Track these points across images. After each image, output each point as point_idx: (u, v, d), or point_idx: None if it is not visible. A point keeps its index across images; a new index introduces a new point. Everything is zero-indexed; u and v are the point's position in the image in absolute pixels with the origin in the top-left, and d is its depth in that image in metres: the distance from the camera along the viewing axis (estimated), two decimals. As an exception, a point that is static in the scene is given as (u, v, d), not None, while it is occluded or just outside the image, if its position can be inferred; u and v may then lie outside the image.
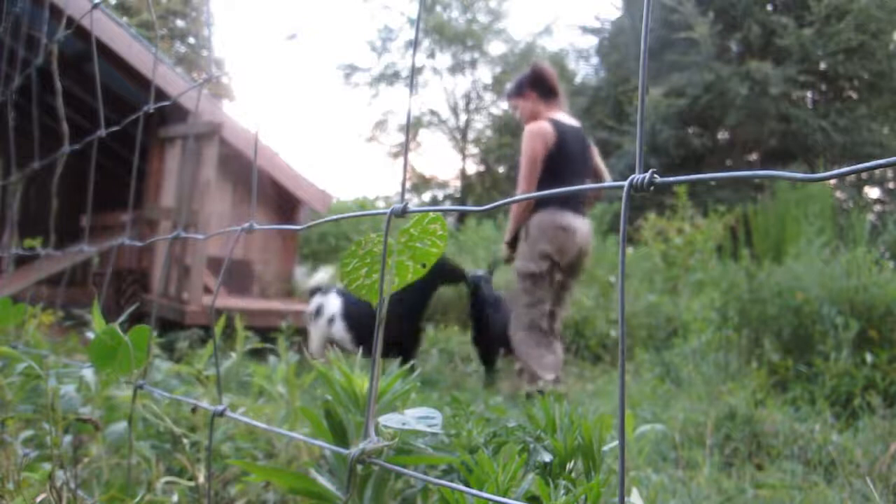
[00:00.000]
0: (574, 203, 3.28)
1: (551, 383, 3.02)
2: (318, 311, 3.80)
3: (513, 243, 3.35)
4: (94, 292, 1.25)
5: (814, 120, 12.10)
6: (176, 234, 1.07)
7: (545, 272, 3.22)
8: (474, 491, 0.68)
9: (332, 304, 3.75)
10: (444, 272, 3.58)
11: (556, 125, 3.23)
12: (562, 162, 3.20)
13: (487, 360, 3.73)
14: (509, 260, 3.40)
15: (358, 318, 3.60)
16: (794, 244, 4.88)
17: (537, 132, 3.21)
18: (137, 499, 1.07)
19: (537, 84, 3.42)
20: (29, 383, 1.27)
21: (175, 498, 1.18)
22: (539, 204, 3.22)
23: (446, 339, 4.77)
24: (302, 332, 3.76)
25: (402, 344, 3.46)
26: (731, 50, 13.12)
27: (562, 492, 0.81)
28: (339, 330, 3.65)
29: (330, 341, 3.68)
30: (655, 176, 0.51)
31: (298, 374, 1.69)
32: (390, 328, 3.44)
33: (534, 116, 3.39)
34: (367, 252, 0.76)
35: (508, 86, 3.64)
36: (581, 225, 3.26)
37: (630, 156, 12.19)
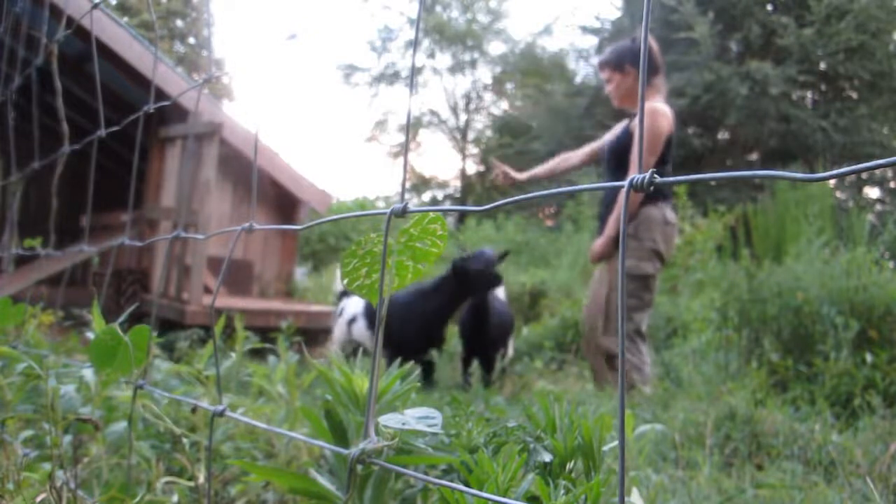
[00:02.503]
0: (671, 195, 3.12)
1: (648, 393, 2.84)
2: (341, 311, 3.77)
3: (617, 241, 3.07)
4: (94, 292, 1.25)
5: (814, 120, 12.10)
6: (176, 234, 1.07)
7: (657, 272, 3.04)
8: (474, 491, 0.68)
9: (354, 303, 3.70)
10: (481, 279, 3.41)
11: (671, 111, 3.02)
12: (670, 150, 3.03)
13: (486, 358, 3.65)
14: (599, 259, 3.16)
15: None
16: (794, 244, 4.89)
17: (664, 112, 2.98)
18: (137, 499, 1.07)
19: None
20: (29, 383, 1.27)
21: (175, 498, 1.18)
22: (647, 197, 2.99)
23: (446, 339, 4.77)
24: (302, 332, 3.75)
25: (427, 349, 3.34)
26: (731, 50, 13.12)
27: (562, 492, 0.81)
28: (360, 329, 3.59)
29: (350, 341, 3.65)
30: (655, 176, 0.51)
31: (298, 374, 1.69)
32: (417, 332, 3.41)
33: (629, 97, 3.13)
34: (367, 252, 0.76)
35: (606, 54, 3.25)
36: (676, 219, 3.12)
37: (630, 156, 12.17)
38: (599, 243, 3.15)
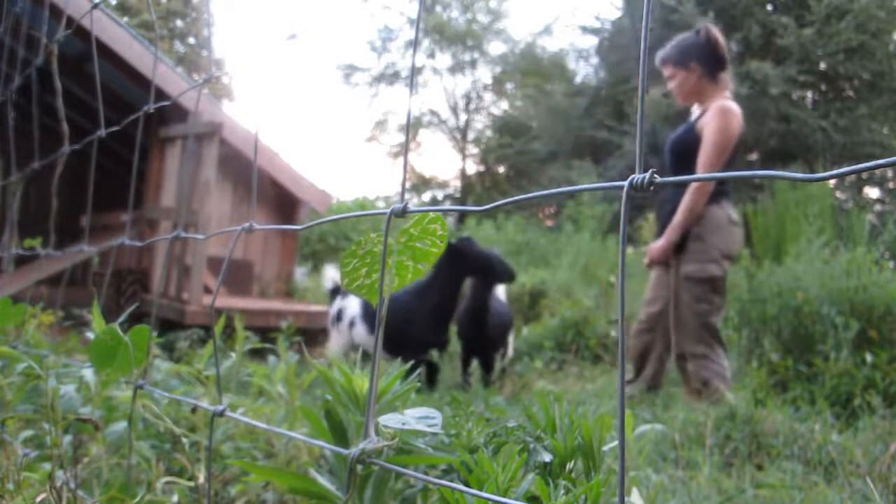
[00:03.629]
0: (732, 194, 3.01)
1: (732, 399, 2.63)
2: (340, 315, 3.71)
3: (679, 246, 2.91)
4: (94, 292, 1.25)
5: (814, 120, 12.10)
6: (176, 234, 1.07)
7: (724, 274, 2.91)
8: (474, 491, 0.68)
9: (353, 306, 3.65)
10: (493, 273, 3.36)
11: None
12: (738, 150, 2.92)
13: (486, 358, 3.64)
14: (656, 264, 3.01)
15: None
16: (794, 244, 4.88)
17: (735, 112, 2.86)
18: (137, 499, 1.07)
19: (708, 57, 2.94)
20: (29, 383, 1.27)
21: (175, 498, 1.18)
22: (711, 197, 2.86)
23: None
24: (302, 332, 3.74)
25: (432, 347, 3.29)
26: (731, 50, 13.12)
27: (562, 492, 0.81)
28: (361, 333, 3.54)
29: (352, 345, 3.62)
30: (655, 176, 0.51)
31: (298, 374, 1.69)
32: (423, 331, 3.38)
33: (694, 94, 3.00)
34: (367, 252, 0.76)
35: (666, 50, 3.08)
36: (738, 218, 3.03)
37: (630, 156, 12.20)
38: (657, 247, 3.02)
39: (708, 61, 2.97)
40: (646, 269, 3.33)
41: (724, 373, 2.89)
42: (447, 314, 3.37)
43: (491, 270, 3.37)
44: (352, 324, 3.61)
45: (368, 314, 3.51)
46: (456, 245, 3.30)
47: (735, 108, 2.91)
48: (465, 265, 3.32)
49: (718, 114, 2.87)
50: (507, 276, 3.47)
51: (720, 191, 2.95)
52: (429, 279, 3.39)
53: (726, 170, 2.87)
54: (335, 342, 3.76)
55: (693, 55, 2.99)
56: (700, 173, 2.73)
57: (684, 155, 2.97)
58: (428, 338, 3.30)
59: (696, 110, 3.15)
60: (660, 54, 3.13)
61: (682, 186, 2.89)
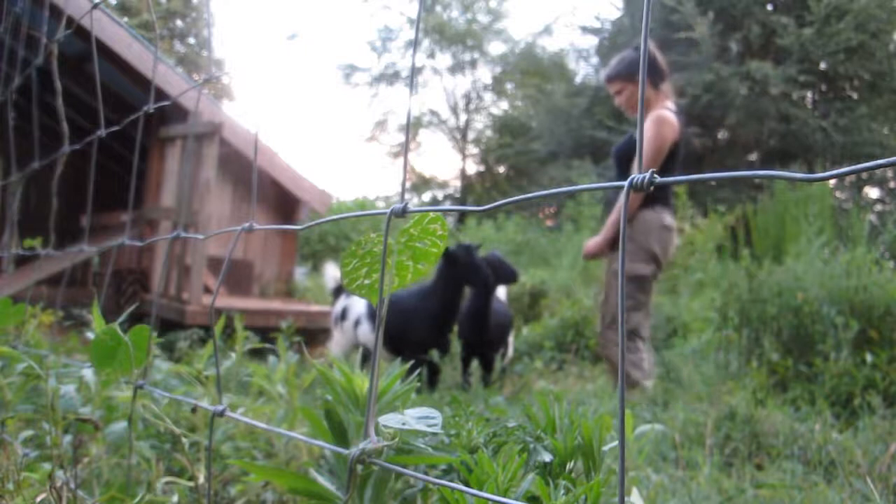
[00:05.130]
0: (671, 201, 3.20)
1: (649, 389, 2.97)
2: (344, 314, 3.71)
3: (613, 243, 3.15)
4: (94, 292, 1.25)
5: (814, 120, 12.10)
6: (176, 234, 1.07)
7: (652, 274, 3.11)
8: (474, 491, 0.68)
9: (358, 305, 3.66)
10: (498, 273, 3.43)
11: (678, 117, 3.10)
12: (677, 155, 3.11)
13: (486, 359, 3.65)
14: (591, 258, 3.26)
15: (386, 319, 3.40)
16: (794, 244, 4.89)
17: (668, 120, 3.05)
18: (137, 499, 1.07)
19: (651, 70, 3.17)
20: (29, 383, 1.27)
21: (175, 498, 1.18)
22: (645, 201, 3.08)
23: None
24: (302, 332, 3.74)
25: (435, 349, 3.28)
26: (731, 50, 13.11)
27: (562, 492, 0.81)
28: (366, 332, 3.54)
29: (356, 345, 3.61)
30: (655, 176, 0.51)
31: (298, 374, 1.69)
32: (427, 332, 3.38)
33: (646, 105, 3.13)
34: (367, 252, 0.76)
35: (612, 67, 3.32)
36: (675, 224, 3.21)
37: (630, 156, 12.19)
38: (593, 242, 3.23)
39: (653, 72, 3.17)
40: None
41: (641, 364, 3.09)
42: (450, 316, 3.39)
43: (481, 280, 3.42)
44: (357, 323, 3.60)
45: (374, 313, 3.50)
46: (450, 252, 3.36)
47: (669, 117, 3.08)
48: (458, 272, 3.37)
49: (653, 123, 3.06)
50: (512, 278, 3.56)
51: (656, 196, 3.12)
52: (432, 282, 3.41)
53: (662, 175, 3.01)
54: (338, 341, 3.76)
55: (637, 68, 3.17)
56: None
57: (626, 161, 3.22)
58: (432, 339, 3.31)
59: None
60: (605, 72, 3.36)
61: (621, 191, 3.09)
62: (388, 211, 0.69)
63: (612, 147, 3.45)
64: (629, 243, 3.09)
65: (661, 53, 3.28)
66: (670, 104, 3.18)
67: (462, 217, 12.03)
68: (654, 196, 3.10)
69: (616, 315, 3.14)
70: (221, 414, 0.86)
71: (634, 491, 0.96)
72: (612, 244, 3.16)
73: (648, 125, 3.07)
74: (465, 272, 3.37)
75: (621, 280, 0.53)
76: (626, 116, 3.56)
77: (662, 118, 3.06)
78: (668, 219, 3.14)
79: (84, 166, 1.70)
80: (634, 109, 3.27)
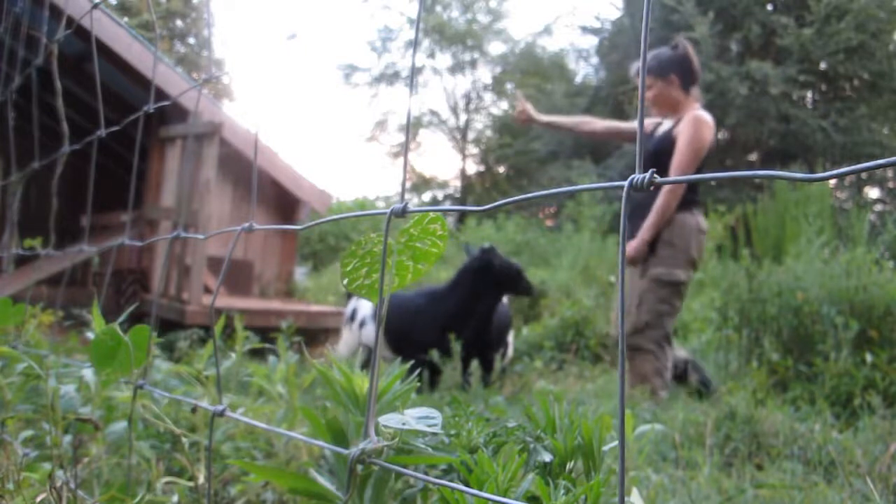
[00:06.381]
0: (702, 203, 3.15)
1: (664, 399, 2.89)
2: (353, 315, 3.71)
3: (653, 246, 3.03)
4: (94, 292, 1.25)
5: (814, 120, 12.09)
6: (176, 234, 1.07)
7: (689, 280, 3.04)
8: (474, 491, 0.68)
9: (365, 306, 3.65)
10: (506, 282, 3.38)
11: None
12: (708, 159, 3.07)
13: (486, 359, 3.64)
14: (634, 263, 3.10)
15: (389, 321, 3.37)
16: (794, 244, 4.88)
17: (708, 122, 3.01)
18: (137, 499, 1.07)
19: (683, 69, 3.10)
20: (29, 383, 1.27)
21: (175, 498, 1.18)
22: (683, 203, 3.01)
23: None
24: (302, 332, 3.74)
25: (440, 350, 3.26)
26: (731, 50, 13.11)
27: (562, 492, 0.81)
28: (369, 334, 3.53)
29: (362, 345, 3.61)
30: (655, 176, 0.51)
31: (298, 374, 1.69)
32: (427, 335, 3.38)
33: (670, 104, 3.14)
34: (367, 252, 0.76)
35: (642, 62, 3.31)
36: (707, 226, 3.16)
37: (630, 156, 12.20)
38: (633, 246, 3.09)
39: (684, 74, 3.12)
40: None
41: (664, 372, 3.04)
42: (465, 319, 3.39)
43: (515, 285, 3.42)
44: (362, 324, 3.61)
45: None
46: (486, 255, 3.35)
47: (708, 119, 3.04)
48: (493, 276, 3.34)
49: (694, 123, 3.00)
50: (528, 292, 3.56)
51: (692, 199, 3.08)
52: (451, 283, 3.43)
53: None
54: (347, 341, 3.77)
55: (672, 68, 3.13)
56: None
57: (661, 160, 3.10)
58: (445, 342, 3.31)
59: (665, 121, 3.27)
60: (636, 65, 3.27)
61: (656, 191, 3.01)
62: (388, 211, 0.69)
63: (632, 145, 3.39)
64: (669, 248, 3.03)
65: (696, 57, 3.20)
66: (699, 107, 3.13)
67: (462, 217, 12.03)
68: (691, 198, 3.05)
69: (649, 321, 3.04)
70: (221, 414, 0.86)
71: (634, 491, 0.96)
72: (651, 246, 3.06)
73: (688, 125, 3.00)
74: (503, 276, 3.35)
75: (621, 280, 0.53)
76: (629, 116, 3.56)
77: (702, 119, 3.01)
78: (703, 221, 3.11)
79: (84, 166, 1.70)
80: (660, 107, 3.18)
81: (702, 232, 3.09)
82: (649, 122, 3.36)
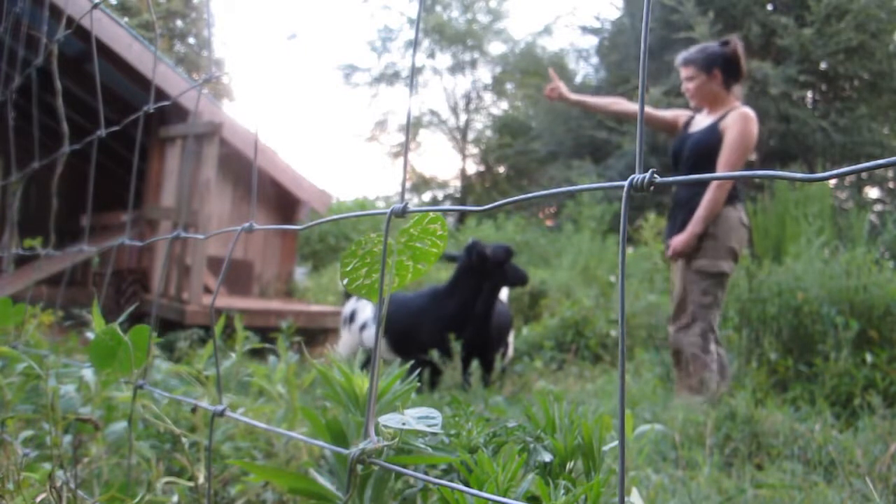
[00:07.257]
0: (745, 198, 3.17)
1: (714, 391, 2.81)
2: (352, 317, 3.71)
3: (700, 239, 3.04)
4: (94, 292, 1.25)
5: (814, 120, 12.09)
6: (176, 234, 1.07)
7: (731, 272, 3.07)
8: (474, 491, 0.68)
9: (366, 309, 3.65)
10: (504, 275, 3.44)
11: None
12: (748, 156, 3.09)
13: (486, 359, 3.64)
14: (680, 255, 3.09)
15: (392, 322, 3.39)
16: (794, 244, 4.88)
17: (753, 119, 3.02)
18: (137, 499, 1.07)
19: (730, 68, 3.12)
20: (29, 383, 1.27)
21: (175, 498, 1.18)
22: (728, 198, 3.03)
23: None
24: (302, 332, 3.74)
25: (434, 349, 3.27)
26: (731, 50, 13.10)
27: (562, 492, 0.81)
28: (371, 337, 3.53)
29: (363, 348, 3.61)
30: (655, 176, 0.51)
31: (298, 374, 1.69)
32: (428, 335, 3.38)
33: (709, 99, 3.15)
34: (367, 252, 0.76)
35: (691, 52, 3.23)
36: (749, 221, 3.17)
37: (630, 156, 12.19)
38: (681, 239, 3.07)
39: (729, 71, 3.14)
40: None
41: (711, 365, 2.99)
42: (466, 318, 3.40)
43: (508, 277, 3.49)
44: (363, 326, 3.61)
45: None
46: (496, 252, 3.41)
47: (754, 115, 3.06)
48: (488, 266, 3.39)
49: (743, 119, 3.01)
50: (521, 281, 3.60)
51: (736, 194, 3.10)
52: (451, 282, 3.45)
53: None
54: (346, 342, 3.76)
55: (717, 63, 3.14)
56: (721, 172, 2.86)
57: (705, 155, 3.09)
58: (446, 342, 3.31)
59: (697, 115, 3.27)
60: (683, 55, 3.25)
61: (702, 186, 3.04)
62: (388, 211, 0.69)
63: (675, 140, 3.31)
64: (712, 240, 3.03)
65: (743, 56, 3.21)
66: (739, 104, 3.14)
67: (462, 217, 12.03)
68: (735, 193, 3.09)
69: (695, 314, 3.03)
70: (221, 414, 0.86)
71: (634, 491, 0.96)
72: (699, 239, 3.06)
73: (736, 120, 3.01)
74: (500, 258, 3.40)
75: (621, 280, 0.53)
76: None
77: (751, 116, 3.03)
78: (745, 216, 3.13)
79: (84, 166, 1.70)
80: (699, 99, 3.18)
81: (744, 225, 3.11)
82: (682, 113, 3.37)
